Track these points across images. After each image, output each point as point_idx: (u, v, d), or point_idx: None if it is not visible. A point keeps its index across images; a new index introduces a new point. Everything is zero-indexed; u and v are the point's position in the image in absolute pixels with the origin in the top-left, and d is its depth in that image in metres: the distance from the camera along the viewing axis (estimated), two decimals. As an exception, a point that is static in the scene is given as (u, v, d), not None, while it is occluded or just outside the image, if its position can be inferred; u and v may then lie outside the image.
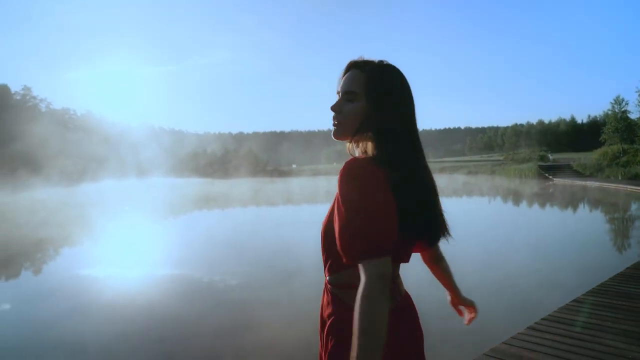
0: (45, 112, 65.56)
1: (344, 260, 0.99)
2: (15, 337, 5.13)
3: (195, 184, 43.64)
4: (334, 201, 1.07)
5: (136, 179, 50.61)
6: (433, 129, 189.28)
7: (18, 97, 64.24)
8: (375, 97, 1.12)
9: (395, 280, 1.19)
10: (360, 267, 0.94)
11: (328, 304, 1.17)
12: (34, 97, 66.56)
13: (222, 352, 4.53)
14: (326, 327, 1.15)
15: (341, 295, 1.14)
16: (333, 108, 1.17)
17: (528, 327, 3.72)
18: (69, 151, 50.20)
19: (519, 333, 3.59)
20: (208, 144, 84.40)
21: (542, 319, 3.91)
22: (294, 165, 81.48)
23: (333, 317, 1.14)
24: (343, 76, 1.19)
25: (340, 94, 1.18)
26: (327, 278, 1.19)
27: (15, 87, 72.75)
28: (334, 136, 1.17)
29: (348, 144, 1.21)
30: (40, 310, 6.10)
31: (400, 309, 1.16)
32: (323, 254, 1.19)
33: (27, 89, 65.89)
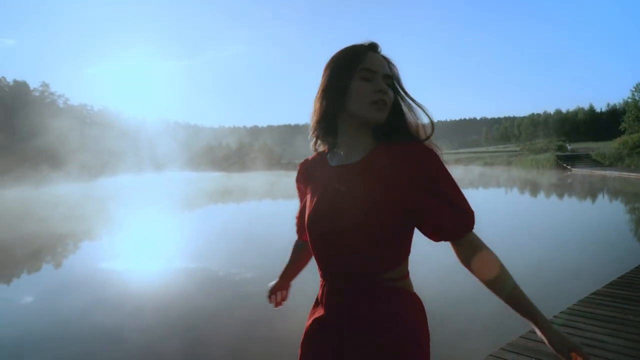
0: (63, 107, 66.67)
1: (459, 233, 1.09)
2: (41, 329, 5.26)
3: (211, 178, 43.97)
4: (383, 190, 1.07)
5: (153, 173, 51.17)
6: (448, 119, 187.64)
7: (37, 94, 65.34)
8: (401, 86, 1.19)
9: None
10: (468, 236, 1.10)
11: (385, 300, 1.10)
12: (52, 93, 67.70)
13: (246, 343, 4.59)
14: (389, 325, 1.09)
15: (403, 285, 1.13)
16: (385, 89, 1.12)
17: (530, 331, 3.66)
18: (87, 146, 51.01)
19: (520, 337, 3.54)
20: (223, 137, 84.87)
21: (561, 312, 3.87)
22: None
23: (401, 311, 1.10)
24: (368, 54, 1.14)
25: (380, 75, 1.13)
26: (386, 274, 1.11)
27: (33, 83, 73.99)
28: (381, 118, 1.12)
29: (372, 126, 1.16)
30: (66, 303, 6.24)
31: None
32: (366, 252, 1.09)
33: (45, 85, 67.00)
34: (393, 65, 1.17)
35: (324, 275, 1.18)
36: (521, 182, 27.67)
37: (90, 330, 5.09)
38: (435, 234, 1.09)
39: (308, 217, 1.19)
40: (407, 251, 1.14)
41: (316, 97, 1.19)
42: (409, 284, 1.15)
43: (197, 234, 12.72)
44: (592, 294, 4.37)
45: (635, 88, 41.26)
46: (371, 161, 1.13)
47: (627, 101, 42.82)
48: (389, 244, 1.10)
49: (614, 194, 20.02)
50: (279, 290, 1.60)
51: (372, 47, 1.16)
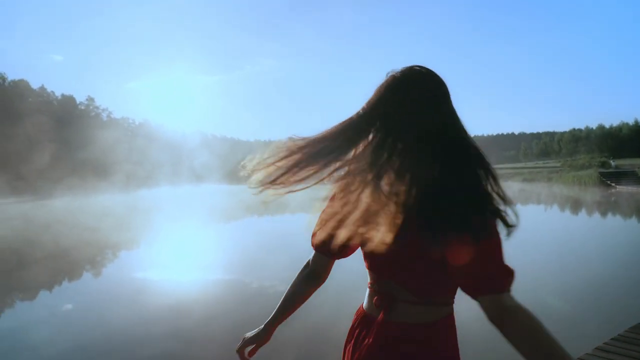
0: (106, 121, 69.35)
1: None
2: (80, 336, 5.55)
3: (247, 191, 44.59)
4: None
5: (191, 184, 52.43)
6: (485, 134, 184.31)
7: (82, 107, 68.33)
8: None
9: None
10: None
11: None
12: (97, 107, 70.61)
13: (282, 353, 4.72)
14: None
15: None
16: None
17: (596, 348, 3.63)
18: (129, 158, 52.87)
19: (586, 354, 3.54)
20: (258, 151, 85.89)
21: (611, 338, 3.83)
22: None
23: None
24: None
25: None
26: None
27: (79, 97, 77.31)
28: None
29: None
30: (106, 311, 6.56)
31: None
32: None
33: (90, 99, 70.01)
34: None
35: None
36: (563, 199, 26.92)
37: (118, 343, 5.27)
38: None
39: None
40: None
41: (439, 119, 1.03)
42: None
43: (232, 245, 13.00)
44: (643, 319, 4.30)
45: (684, 103, 39.61)
46: None
47: (675, 116, 41.13)
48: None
49: (663, 213, 19.24)
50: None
51: None
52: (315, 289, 1.31)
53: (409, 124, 1.00)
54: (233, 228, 18.28)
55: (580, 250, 10.36)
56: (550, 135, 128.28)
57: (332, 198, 1.06)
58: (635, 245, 11.68)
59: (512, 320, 0.93)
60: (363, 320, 1.17)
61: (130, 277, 8.94)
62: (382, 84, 1.08)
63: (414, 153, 0.97)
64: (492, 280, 0.96)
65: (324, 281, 1.30)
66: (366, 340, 1.11)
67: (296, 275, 1.32)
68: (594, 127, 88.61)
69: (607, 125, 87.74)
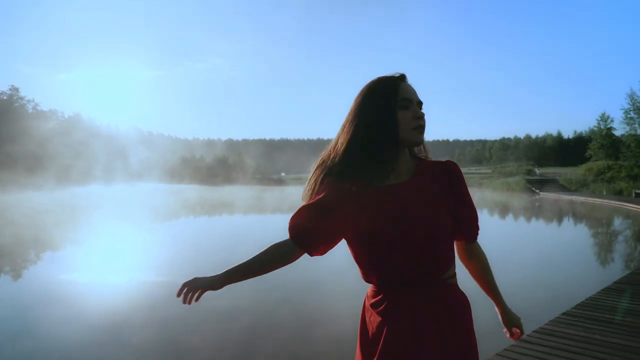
0: (32, 113, 64.84)
1: (475, 238, 1.36)
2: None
3: (183, 190, 43.39)
4: (443, 196, 1.29)
5: (127, 183, 50.20)
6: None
7: (5, 97, 63.49)
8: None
9: None
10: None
11: (451, 295, 1.28)
12: (21, 98, 65.81)
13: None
14: (458, 314, 1.27)
15: (455, 281, 1.32)
16: (422, 115, 1.29)
17: (520, 339, 3.79)
18: (60, 154, 49.73)
19: (511, 345, 3.67)
20: (197, 150, 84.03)
21: (533, 331, 4.01)
22: (282, 174, 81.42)
23: (463, 303, 1.31)
24: (401, 84, 1.29)
25: (415, 102, 1.29)
26: (448, 273, 1.28)
27: (1, 86, 71.88)
28: (422, 140, 1.31)
29: (415, 147, 1.35)
30: (20, 319, 6.06)
31: None
32: (436, 253, 1.24)
33: (14, 88, 65.07)
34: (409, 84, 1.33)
35: (390, 281, 1.26)
36: (491, 203, 28.31)
37: (38, 350, 4.96)
38: (467, 236, 1.34)
39: (380, 231, 1.22)
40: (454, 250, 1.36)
41: (352, 126, 1.29)
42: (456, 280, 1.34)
43: (165, 246, 12.54)
44: (562, 314, 4.54)
45: (600, 117, 43.15)
46: (421, 177, 1.31)
47: (592, 129, 44.60)
48: (450, 245, 1.30)
49: (580, 218, 20.70)
50: (203, 290, 1.31)
51: (403, 78, 1.32)
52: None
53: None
54: (168, 228, 17.65)
55: (497, 254, 10.89)
56: (482, 143, 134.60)
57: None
58: (556, 246, 12.44)
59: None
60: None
61: (55, 279, 8.33)
62: None
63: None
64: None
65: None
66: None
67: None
68: (522, 137, 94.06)
69: (533, 136, 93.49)
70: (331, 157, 1.31)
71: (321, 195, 1.27)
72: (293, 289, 7.18)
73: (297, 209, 1.31)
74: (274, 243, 1.32)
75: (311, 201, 1.29)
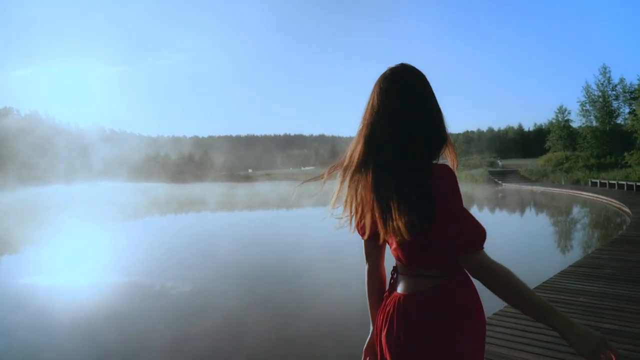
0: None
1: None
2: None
3: (149, 189, 42.50)
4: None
5: (87, 182, 48.75)
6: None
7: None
8: None
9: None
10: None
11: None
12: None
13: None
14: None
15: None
16: None
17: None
18: (18, 153, 47.84)
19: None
20: (161, 147, 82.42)
21: (494, 313, 4.16)
22: (250, 170, 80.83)
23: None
24: None
25: None
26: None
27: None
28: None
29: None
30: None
31: None
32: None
33: (-34, 87, 62.18)
34: None
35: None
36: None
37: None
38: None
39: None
40: None
41: (428, 112, 1.21)
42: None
43: (129, 246, 12.31)
44: (521, 297, 4.73)
45: (558, 110, 44.56)
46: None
47: (551, 122, 46.09)
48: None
49: (540, 207, 21.47)
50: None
51: None
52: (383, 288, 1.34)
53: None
54: (133, 227, 17.30)
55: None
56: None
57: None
58: (518, 234, 12.88)
59: (490, 275, 1.13)
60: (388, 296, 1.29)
61: (14, 283, 8.06)
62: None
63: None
64: (466, 241, 1.13)
65: (384, 275, 1.36)
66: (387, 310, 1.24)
67: (366, 292, 1.36)
68: (485, 130, 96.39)
69: (495, 129, 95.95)
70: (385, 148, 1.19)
71: (460, 194, 1.19)
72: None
73: (466, 214, 1.17)
74: (502, 270, 1.15)
75: (462, 204, 1.19)
